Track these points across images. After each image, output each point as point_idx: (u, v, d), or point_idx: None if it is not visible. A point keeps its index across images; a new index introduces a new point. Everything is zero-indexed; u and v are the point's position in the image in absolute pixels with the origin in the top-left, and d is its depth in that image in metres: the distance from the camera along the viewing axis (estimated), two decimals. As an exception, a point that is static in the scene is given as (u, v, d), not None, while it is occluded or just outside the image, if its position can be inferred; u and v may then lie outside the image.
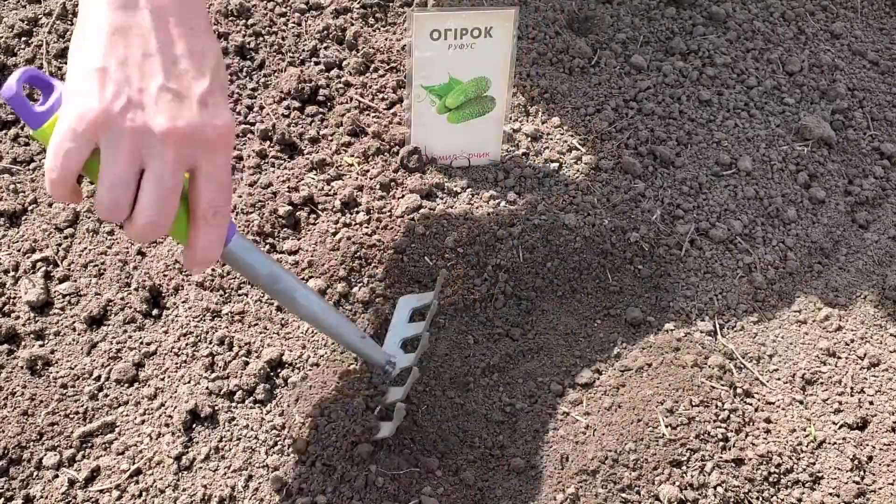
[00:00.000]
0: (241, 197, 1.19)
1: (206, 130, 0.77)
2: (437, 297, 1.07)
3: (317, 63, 1.35)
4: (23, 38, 1.35)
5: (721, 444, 1.05)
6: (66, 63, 1.33)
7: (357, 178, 1.22)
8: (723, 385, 1.11)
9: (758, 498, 1.03)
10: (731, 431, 1.07)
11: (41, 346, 1.10)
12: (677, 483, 1.01)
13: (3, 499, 0.99)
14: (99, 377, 1.07)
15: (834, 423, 1.12)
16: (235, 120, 1.28)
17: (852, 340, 1.20)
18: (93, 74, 0.74)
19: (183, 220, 0.82)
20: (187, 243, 0.82)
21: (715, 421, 1.07)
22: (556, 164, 1.29)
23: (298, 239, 1.16)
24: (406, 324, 1.10)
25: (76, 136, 0.73)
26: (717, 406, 1.09)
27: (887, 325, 1.22)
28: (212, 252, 0.82)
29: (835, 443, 1.10)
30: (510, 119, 1.33)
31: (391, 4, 1.45)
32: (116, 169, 0.74)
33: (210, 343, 1.07)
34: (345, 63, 1.35)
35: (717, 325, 1.19)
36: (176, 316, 1.11)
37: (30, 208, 1.22)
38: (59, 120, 0.74)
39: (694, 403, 1.08)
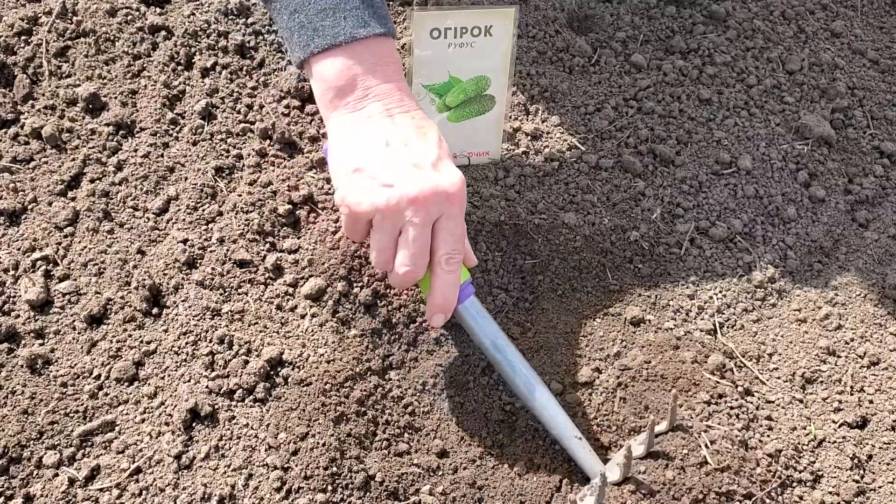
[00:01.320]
0: (240, 196, 1.19)
1: (444, 187, 0.95)
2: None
3: (317, 62, 1.34)
4: (22, 37, 1.35)
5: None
6: (66, 62, 1.33)
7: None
8: (724, 383, 1.11)
9: (761, 497, 1.03)
10: (736, 429, 1.07)
11: (41, 344, 1.10)
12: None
13: (3, 497, 0.99)
14: (99, 376, 1.07)
15: (834, 421, 1.12)
16: (235, 119, 1.28)
17: (852, 339, 1.20)
18: (353, 174, 0.98)
19: (427, 275, 0.99)
20: (430, 291, 0.99)
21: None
22: (557, 163, 1.29)
23: (298, 238, 1.16)
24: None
25: (355, 223, 0.99)
26: (721, 403, 1.09)
27: (887, 324, 1.22)
28: (449, 294, 0.99)
29: (835, 441, 1.10)
30: (510, 118, 1.33)
31: (391, 3, 1.45)
32: (382, 239, 0.97)
33: (210, 342, 1.07)
34: (345, 62, 1.34)
35: (717, 324, 1.19)
36: (176, 315, 1.11)
37: (30, 207, 1.21)
38: (341, 209, 1.00)
39: (697, 400, 1.08)
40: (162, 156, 1.25)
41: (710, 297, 1.21)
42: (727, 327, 1.19)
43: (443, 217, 0.97)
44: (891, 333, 1.21)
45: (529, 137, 1.32)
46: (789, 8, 1.58)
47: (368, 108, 1.01)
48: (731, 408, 1.09)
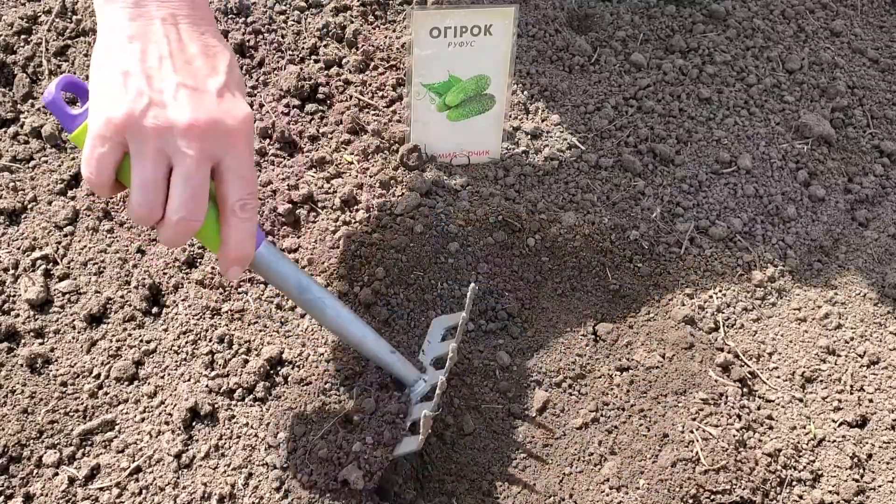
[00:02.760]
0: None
1: (225, 121, 0.80)
2: (468, 312, 1.03)
3: (316, 61, 1.34)
4: (22, 36, 1.35)
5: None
6: (65, 61, 1.33)
7: (357, 176, 1.22)
8: (724, 382, 1.11)
9: (762, 496, 1.03)
10: (735, 429, 1.07)
11: (41, 344, 1.10)
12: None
13: (3, 497, 0.99)
14: (99, 375, 1.07)
15: (834, 420, 1.12)
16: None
17: (852, 338, 1.20)
18: (114, 80, 0.78)
19: (212, 224, 0.84)
20: (221, 243, 0.85)
21: (720, 417, 1.07)
22: (556, 162, 1.29)
23: (298, 237, 1.16)
24: (439, 343, 1.07)
25: (105, 140, 0.78)
26: (721, 402, 1.09)
27: (887, 323, 1.22)
28: (245, 246, 0.85)
29: (834, 441, 1.10)
30: (510, 117, 1.33)
31: (391, 2, 1.45)
32: (145, 171, 0.78)
33: (210, 341, 1.07)
34: (344, 61, 1.34)
35: (717, 323, 1.19)
36: (176, 314, 1.11)
37: (29, 206, 1.21)
38: (89, 125, 0.79)
39: (697, 399, 1.08)
40: (162, 155, 1.25)
41: (710, 297, 1.21)
42: (727, 326, 1.19)
43: (227, 157, 0.81)
44: (891, 333, 1.21)
45: (529, 136, 1.32)
46: (789, 7, 1.58)
47: (150, 8, 0.82)
48: (731, 407, 1.09)
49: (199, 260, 1.14)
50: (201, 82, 0.81)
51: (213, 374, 1.05)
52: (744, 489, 1.02)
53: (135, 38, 0.81)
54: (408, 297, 1.13)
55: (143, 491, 0.99)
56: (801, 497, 1.05)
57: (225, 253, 0.85)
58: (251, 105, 1.30)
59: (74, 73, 1.33)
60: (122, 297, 1.13)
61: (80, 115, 0.83)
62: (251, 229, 0.84)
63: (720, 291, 1.22)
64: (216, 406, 1.03)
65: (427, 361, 1.06)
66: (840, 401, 1.14)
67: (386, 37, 1.40)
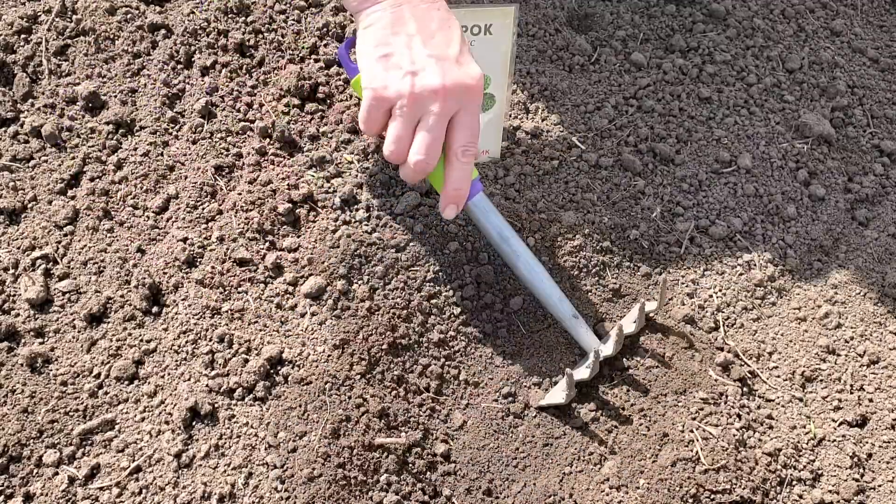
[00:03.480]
0: (240, 194, 1.19)
1: (465, 81, 0.99)
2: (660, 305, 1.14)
3: (316, 60, 1.34)
4: (22, 36, 1.35)
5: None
6: (65, 60, 1.33)
7: (357, 175, 1.22)
8: (724, 381, 1.11)
9: (762, 496, 1.03)
10: (735, 428, 1.07)
11: (41, 343, 1.10)
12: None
13: (2, 496, 0.99)
14: (99, 375, 1.07)
15: (833, 420, 1.12)
16: (235, 117, 1.28)
17: (852, 338, 1.20)
18: (380, 60, 1.00)
19: (439, 167, 1.03)
20: (444, 182, 1.04)
21: (720, 416, 1.07)
22: (556, 162, 1.29)
23: (298, 236, 1.16)
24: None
25: (375, 109, 1.01)
26: (721, 402, 1.09)
27: (887, 323, 1.22)
28: (463, 186, 1.04)
29: (834, 440, 1.10)
30: (510, 116, 1.33)
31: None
32: (399, 127, 1.00)
33: (210, 340, 1.07)
34: (344, 60, 1.34)
35: (717, 323, 1.19)
36: (176, 313, 1.11)
37: (29, 206, 1.21)
38: (364, 96, 1.01)
39: (697, 399, 1.08)
40: (162, 154, 1.25)
41: (710, 296, 1.21)
42: (727, 326, 1.19)
43: (461, 111, 1.00)
44: (891, 332, 1.21)
45: (529, 136, 1.31)
46: (789, 6, 1.58)
47: (404, 6, 1.03)
48: (731, 406, 1.09)
49: (199, 259, 1.14)
50: (444, 52, 1.00)
51: (213, 373, 1.05)
52: (744, 489, 1.02)
53: (391, 24, 1.01)
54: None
55: (143, 490, 0.99)
56: (801, 496, 1.05)
57: (446, 191, 1.04)
58: (251, 105, 1.30)
59: (74, 73, 1.32)
60: (122, 296, 1.13)
61: (355, 69, 1.07)
62: (468, 172, 1.03)
63: (720, 291, 1.22)
64: (216, 406, 1.03)
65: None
66: (840, 400, 1.14)
67: (386, 36, 1.39)
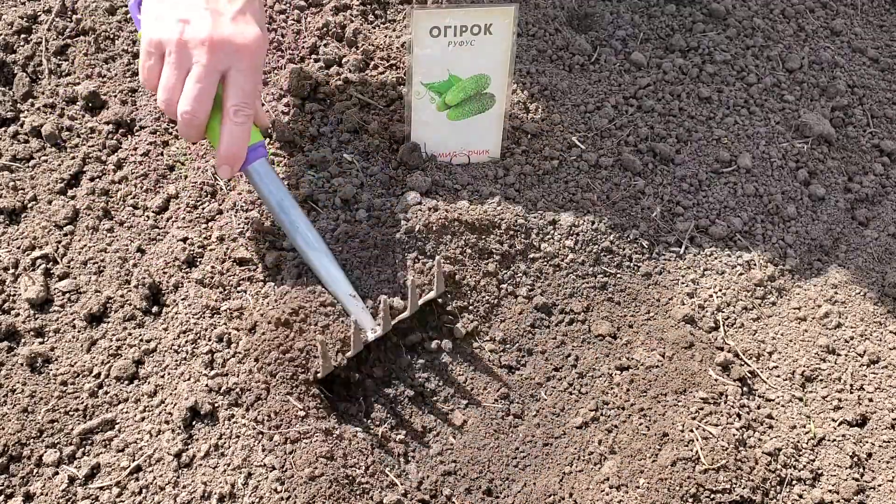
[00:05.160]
0: (240, 194, 1.19)
1: (236, 39, 1.00)
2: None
3: (316, 60, 1.34)
4: (22, 35, 1.35)
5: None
6: (65, 60, 1.33)
7: (357, 175, 1.22)
8: (724, 381, 1.11)
9: (762, 495, 1.03)
10: (735, 428, 1.07)
11: (41, 343, 1.10)
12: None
13: (3, 496, 0.99)
14: (99, 374, 1.07)
15: (833, 420, 1.12)
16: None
17: (852, 338, 1.20)
18: (158, 11, 1.01)
19: (216, 127, 1.02)
20: (218, 143, 1.02)
21: (720, 416, 1.07)
22: (556, 162, 1.29)
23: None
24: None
25: (150, 55, 1.01)
26: (721, 402, 1.09)
27: (887, 323, 1.22)
28: (236, 147, 1.02)
29: (834, 440, 1.10)
30: (510, 116, 1.33)
31: (391, 1, 1.45)
32: (168, 73, 0.99)
33: (210, 340, 1.07)
34: (344, 60, 1.34)
35: (717, 322, 1.19)
36: (176, 313, 1.11)
37: (29, 205, 1.21)
38: (141, 42, 1.02)
39: (697, 398, 1.09)
40: (161, 154, 1.25)
41: (710, 296, 1.21)
42: (727, 325, 1.19)
43: (232, 69, 1.00)
44: (891, 332, 1.21)
45: (529, 136, 1.31)
46: (789, 6, 1.58)
47: None
48: (731, 406, 1.09)
49: (199, 259, 1.14)
50: (220, 7, 1.01)
51: (212, 373, 1.05)
52: (744, 488, 1.02)
53: None
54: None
55: (143, 490, 0.99)
56: (800, 496, 1.05)
57: (219, 151, 1.02)
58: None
59: (74, 73, 1.33)
60: (122, 296, 1.13)
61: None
62: (242, 134, 1.02)
63: (720, 291, 1.22)
64: (216, 405, 1.03)
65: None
66: (840, 400, 1.14)
67: (386, 36, 1.39)
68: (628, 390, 1.10)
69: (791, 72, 1.48)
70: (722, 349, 1.16)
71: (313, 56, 1.35)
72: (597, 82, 1.42)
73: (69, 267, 1.16)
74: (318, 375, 1.03)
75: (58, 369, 1.07)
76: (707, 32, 1.51)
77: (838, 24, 1.58)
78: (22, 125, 1.28)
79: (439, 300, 1.13)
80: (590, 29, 1.52)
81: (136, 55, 1.34)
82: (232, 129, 1.01)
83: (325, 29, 1.38)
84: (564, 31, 1.47)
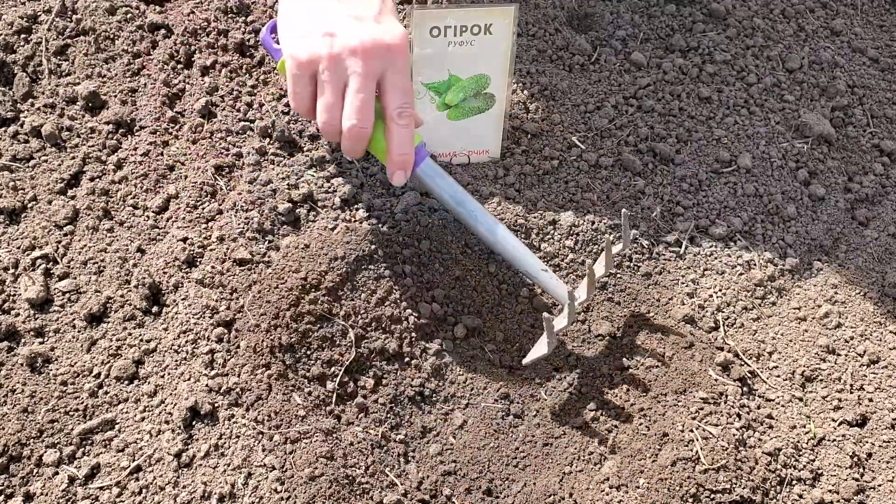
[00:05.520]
0: (240, 194, 1.19)
1: (385, 39, 0.97)
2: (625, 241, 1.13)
3: (316, 60, 1.34)
4: (22, 35, 1.35)
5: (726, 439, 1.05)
6: (65, 60, 1.33)
7: (357, 175, 1.22)
8: (724, 381, 1.11)
9: (762, 495, 1.03)
10: (735, 428, 1.07)
11: (41, 343, 1.10)
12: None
13: (2, 496, 0.99)
14: (99, 374, 1.07)
15: (833, 420, 1.12)
16: (235, 117, 1.28)
17: (852, 338, 1.20)
18: (296, 28, 0.99)
19: (380, 136, 1.01)
20: (386, 150, 1.01)
21: (720, 416, 1.07)
22: (556, 162, 1.29)
23: (298, 236, 1.16)
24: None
25: (299, 78, 0.98)
26: (721, 402, 1.09)
27: (887, 323, 1.22)
28: (406, 149, 1.01)
29: (834, 440, 1.10)
30: (510, 116, 1.33)
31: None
32: (326, 94, 0.97)
33: (210, 340, 1.07)
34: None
35: (717, 322, 1.19)
36: (176, 313, 1.11)
37: (29, 205, 1.21)
38: (286, 63, 0.99)
39: (697, 398, 1.09)
40: (162, 154, 1.25)
41: (710, 296, 1.21)
42: (727, 325, 1.19)
43: (388, 71, 0.98)
44: (891, 332, 1.21)
45: (529, 136, 1.32)
46: (789, 6, 1.58)
47: None
48: (731, 406, 1.09)
49: (199, 259, 1.14)
50: (362, 12, 0.99)
51: (213, 373, 1.05)
52: (744, 488, 1.02)
53: (305, 4, 1.01)
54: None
55: (143, 490, 0.99)
56: (801, 496, 1.05)
57: (390, 157, 1.01)
58: (251, 105, 1.30)
59: (74, 73, 1.33)
60: (122, 296, 1.13)
61: (279, 52, 1.07)
62: (409, 135, 1.00)
63: (720, 291, 1.22)
64: (216, 405, 1.03)
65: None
66: (840, 400, 1.14)
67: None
68: (628, 390, 1.10)
69: (791, 72, 1.48)
70: (722, 349, 1.16)
71: (313, 56, 1.35)
72: (597, 82, 1.42)
73: (69, 267, 1.16)
74: (537, 356, 1.05)
75: (58, 369, 1.08)
76: (707, 32, 1.51)
77: (838, 24, 1.58)
78: (22, 125, 1.28)
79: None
80: (590, 29, 1.52)
81: (136, 55, 1.34)
82: (400, 133, 0.99)
83: (325, 29, 1.38)
84: (564, 31, 1.47)
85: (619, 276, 1.21)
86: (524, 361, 1.07)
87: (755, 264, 1.25)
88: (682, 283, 1.22)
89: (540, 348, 1.06)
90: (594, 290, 1.07)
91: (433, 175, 1.09)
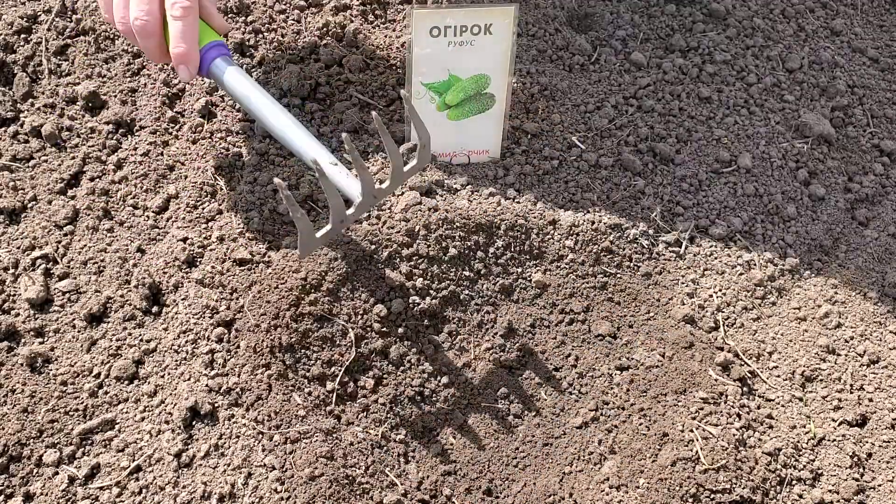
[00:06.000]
0: (240, 194, 1.19)
1: None
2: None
3: (316, 60, 1.34)
4: (22, 35, 1.35)
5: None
6: (65, 60, 1.33)
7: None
8: (724, 381, 1.11)
9: (762, 495, 1.03)
10: (735, 428, 1.07)
11: (41, 343, 1.10)
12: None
13: (2, 496, 0.99)
14: (99, 374, 1.07)
15: (833, 420, 1.12)
16: (235, 117, 1.28)
17: (852, 338, 1.20)
18: None
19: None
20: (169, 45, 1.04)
21: (720, 416, 1.07)
22: (556, 162, 1.29)
23: (296, 236, 1.16)
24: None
25: None
26: (721, 402, 1.09)
27: (887, 322, 1.22)
28: (184, 43, 1.04)
29: (834, 440, 1.10)
30: (510, 116, 1.33)
31: (390, 1, 1.45)
32: None
33: (209, 340, 1.07)
34: (344, 60, 1.34)
35: (717, 322, 1.19)
36: (176, 313, 1.11)
37: (29, 205, 1.21)
38: None
39: (697, 398, 1.09)
40: (162, 154, 1.25)
41: (711, 296, 1.21)
42: (727, 326, 1.19)
43: None
44: (891, 332, 1.21)
45: (529, 136, 1.32)
46: (789, 6, 1.58)
47: None
48: (731, 406, 1.09)
49: (199, 259, 1.14)
50: None
51: (213, 373, 1.05)
52: (744, 488, 1.02)
53: None
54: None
55: (143, 490, 0.99)
56: (800, 496, 1.05)
57: (171, 52, 1.05)
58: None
59: (74, 73, 1.33)
60: (122, 296, 1.13)
61: None
62: (186, 28, 1.04)
63: (720, 291, 1.22)
64: (216, 405, 1.03)
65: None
66: (840, 400, 1.14)
67: (386, 36, 1.39)
68: (628, 390, 1.10)
69: (791, 72, 1.48)
70: (722, 349, 1.16)
71: (313, 56, 1.35)
72: (597, 82, 1.42)
73: (69, 267, 1.16)
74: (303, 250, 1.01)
75: (58, 369, 1.07)
76: (707, 32, 1.51)
77: (838, 24, 1.58)
78: (22, 125, 1.28)
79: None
80: (590, 29, 1.52)
81: (136, 55, 1.34)
82: (175, 26, 1.03)
83: (325, 29, 1.38)
84: (564, 31, 1.47)
85: (619, 275, 1.21)
86: (310, 246, 1.01)
87: (755, 264, 1.25)
88: (682, 283, 1.22)
89: (322, 231, 1.01)
90: (400, 184, 1.06)
91: (223, 73, 1.09)
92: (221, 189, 1.21)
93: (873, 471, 1.09)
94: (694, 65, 1.45)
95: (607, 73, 1.43)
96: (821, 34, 1.56)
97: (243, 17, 1.38)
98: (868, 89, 1.49)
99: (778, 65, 1.49)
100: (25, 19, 1.36)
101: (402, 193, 1.19)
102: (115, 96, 1.30)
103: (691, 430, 1.06)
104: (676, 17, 1.54)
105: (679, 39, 1.49)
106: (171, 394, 1.05)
